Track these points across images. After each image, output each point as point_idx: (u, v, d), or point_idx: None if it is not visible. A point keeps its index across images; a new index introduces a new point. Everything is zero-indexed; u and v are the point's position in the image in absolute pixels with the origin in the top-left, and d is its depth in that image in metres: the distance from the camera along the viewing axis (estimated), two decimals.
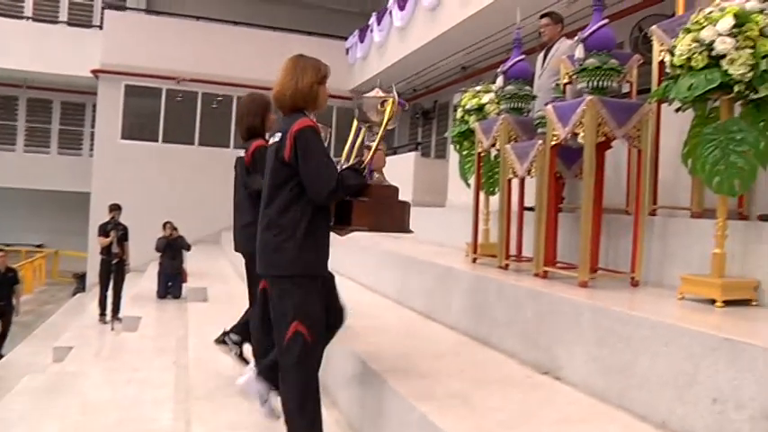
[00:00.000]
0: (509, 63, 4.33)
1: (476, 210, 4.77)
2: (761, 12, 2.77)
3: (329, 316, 2.94)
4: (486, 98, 4.71)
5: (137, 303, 8.69)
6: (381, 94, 2.98)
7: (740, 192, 2.98)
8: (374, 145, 2.92)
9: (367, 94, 3.02)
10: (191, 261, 9.98)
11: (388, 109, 2.89)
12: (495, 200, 4.67)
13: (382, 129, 2.92)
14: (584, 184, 3.44)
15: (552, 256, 3.94)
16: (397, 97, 2.94)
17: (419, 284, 4.71)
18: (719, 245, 2.99)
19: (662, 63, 3.65)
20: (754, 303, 2.97)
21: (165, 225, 9.89)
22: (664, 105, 3.65)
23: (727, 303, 2.87)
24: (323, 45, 15.41)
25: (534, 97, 4.55)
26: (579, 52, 3.47)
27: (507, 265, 4.21)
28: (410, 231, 3.04)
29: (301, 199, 2.72)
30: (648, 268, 3.64)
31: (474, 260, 4.63)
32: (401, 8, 11.97)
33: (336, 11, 18.15)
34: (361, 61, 14.52)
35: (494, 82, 4.63)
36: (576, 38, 3.61)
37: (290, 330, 2.70)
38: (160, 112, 14.95)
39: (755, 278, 3.03)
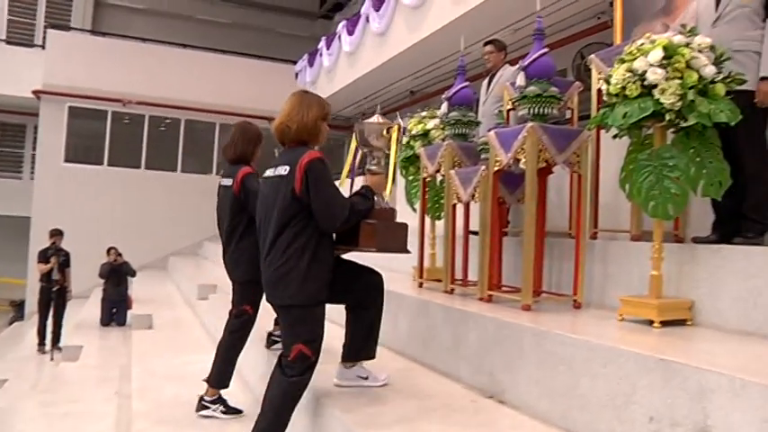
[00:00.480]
0: (453, 90, 4.39)
1: (421, 234, 4.81)
2: (686, 45, 2.91)
3: (363, 292, 3.18)
4: (431, 124, 4.76)
5: (79, 332, 8.43)
6: (381, 119, 3.13)
7: (674, 215, 3.09)
8: (390, 168, 3.09)
9: (368, 120, 3.14)
10: (136, 287, 9.78)
11: (394, 136, 3.06)
12: (441, 224, 4.71)
13: (393, 154, 3.09)
14: (526, 210, 3.50)
15: (497, 279, 3.99)
16: (402, 123, 3.12)
17: None
18: (656, 267, 3.09)
19: (601, 90, 3.77)
20: (689, 323, 3.07)
21: (109, 250, 9.68)
22: (603, 131, 3.76)
23: (665, 324, 2.96)
24: (272, 69, 15.43)
25: (478, 123, 4.63)
26: (521, 80, 3.55)
27: (453, 290, 4.24)
28: (409, 251, 3.21)
29: (307, 230, 2.82)
30: (591, 290, 3.72)
31: (420, 285, 4.65)
32: (350, 33, 12.09)
33: (286, 35, 18.22)
34: (311, 85, 14.54)
35: (439, 107, 4.71)
36: (518, 65, 3.70)
37: (293, 351, 2.86)
38: (105, 135, 14.61)
39: (690, 298, 3.14)
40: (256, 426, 2.88)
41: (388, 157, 3.12)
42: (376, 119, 3.14)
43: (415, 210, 5.04)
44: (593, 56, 4.16)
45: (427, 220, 4.87)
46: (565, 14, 8.32)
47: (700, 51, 2.93)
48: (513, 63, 5.04)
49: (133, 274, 9.70)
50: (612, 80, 3.06)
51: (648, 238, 3.31)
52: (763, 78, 3.13)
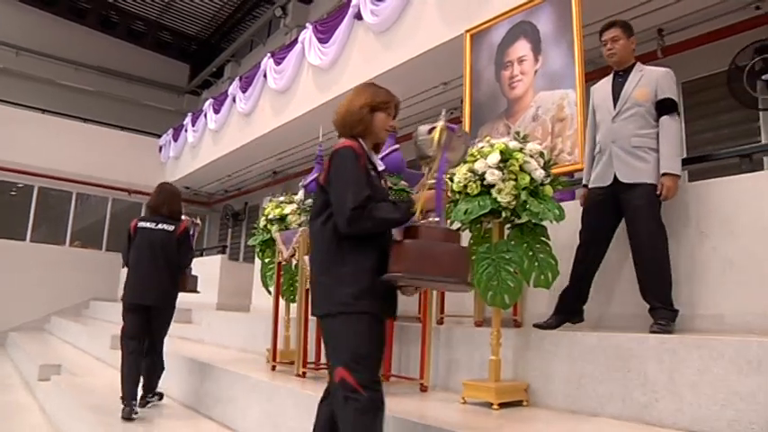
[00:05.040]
0: (309, 178, 4.52)
1: (275, 317, 4.81)
2: (520, 150, 3.24)
3: None
4: (288, 209, 4.79)
5: None
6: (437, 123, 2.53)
7: (510, 304, 3.33)
8: (428, 178, 2.47)
9: (421, 127, 2.54)
10: None
11: (436, 136, 2.44)
12: (296, 307, 4.73)
13: (435, 161, 2.45)
14: None
15: None
16: (444, 122, 2.49)
17: (217, 392, 4.57)
18: (495, 352, 3.30)
19: None
20: (525, 404, 3.30)
21: None
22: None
23: (503, 405, 3.16)
24: (135, 141, 15.02)
25: None
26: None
27: (305, 373, 4.24)
28: (467, 285, 2.47)
29: (338, 230, 2.38)
30: (437, 373, 3.88)
31: (273, 368, 4.61)
32: (216, 111, 12.12)
33: (151, 107, 17.84)
34: (174, 160, 14.29)
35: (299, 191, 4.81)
36: None
37: (336, 376, 2.33)
38: None
39: (526, 380, 3.37)
40: None
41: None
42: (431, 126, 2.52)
43: (270, 292, 5.03)
44: None
45: (282, 302, 4.88)
46: (422, 108, 8.86)
47: (531, 156, 3.26)
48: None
49: None
50: (456, 179, 3.32)
51: (490, 323, 3.54)
52: (664, 174, 3.32)
